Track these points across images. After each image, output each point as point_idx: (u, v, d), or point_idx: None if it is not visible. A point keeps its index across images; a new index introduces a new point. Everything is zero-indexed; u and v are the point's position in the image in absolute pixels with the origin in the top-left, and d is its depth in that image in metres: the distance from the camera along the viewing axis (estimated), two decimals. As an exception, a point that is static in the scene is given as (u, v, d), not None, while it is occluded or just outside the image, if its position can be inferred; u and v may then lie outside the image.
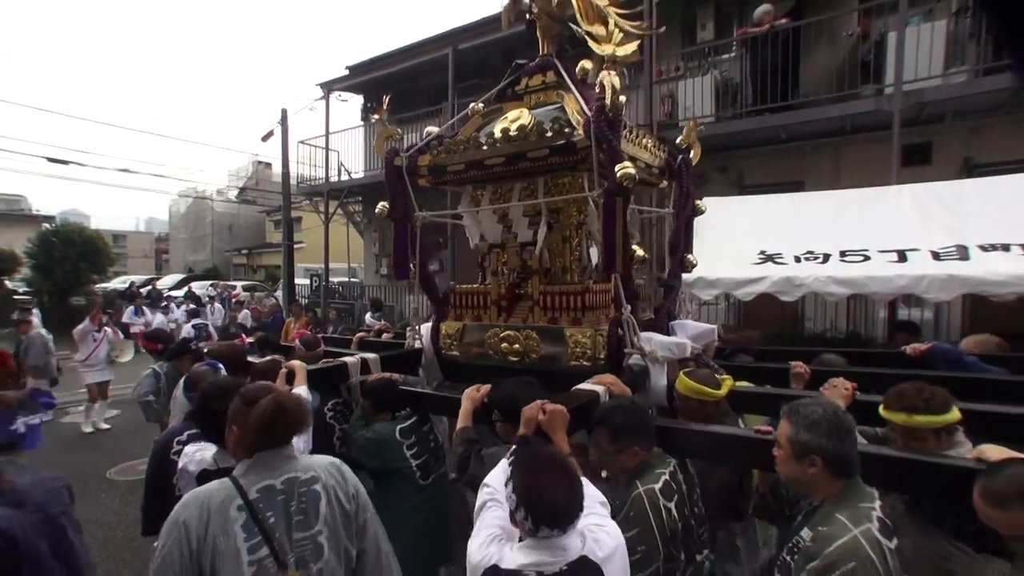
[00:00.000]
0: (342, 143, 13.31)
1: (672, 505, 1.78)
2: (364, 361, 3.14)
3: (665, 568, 1.73)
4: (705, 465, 2.22)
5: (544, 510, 1.32)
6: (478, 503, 1.60)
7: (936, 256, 4.23)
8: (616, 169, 2.35)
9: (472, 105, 3.31)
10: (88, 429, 7.05)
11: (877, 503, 1.52)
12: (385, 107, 3.33)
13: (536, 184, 3.03)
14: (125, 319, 11.25)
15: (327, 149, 13.13)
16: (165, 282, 22.71)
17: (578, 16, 2.79)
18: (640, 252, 2.67)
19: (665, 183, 3.38)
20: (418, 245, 3.33)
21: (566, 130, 2.61)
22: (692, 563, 1.85)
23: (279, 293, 15.07)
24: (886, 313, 6.59)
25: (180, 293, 16.58)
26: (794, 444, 1.57)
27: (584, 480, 1.50)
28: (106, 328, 7.32)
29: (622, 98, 2.43)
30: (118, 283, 20.21)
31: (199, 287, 19.21)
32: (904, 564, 1.50)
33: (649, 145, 3.02)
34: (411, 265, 3.33)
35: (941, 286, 3.92)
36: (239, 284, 21.13)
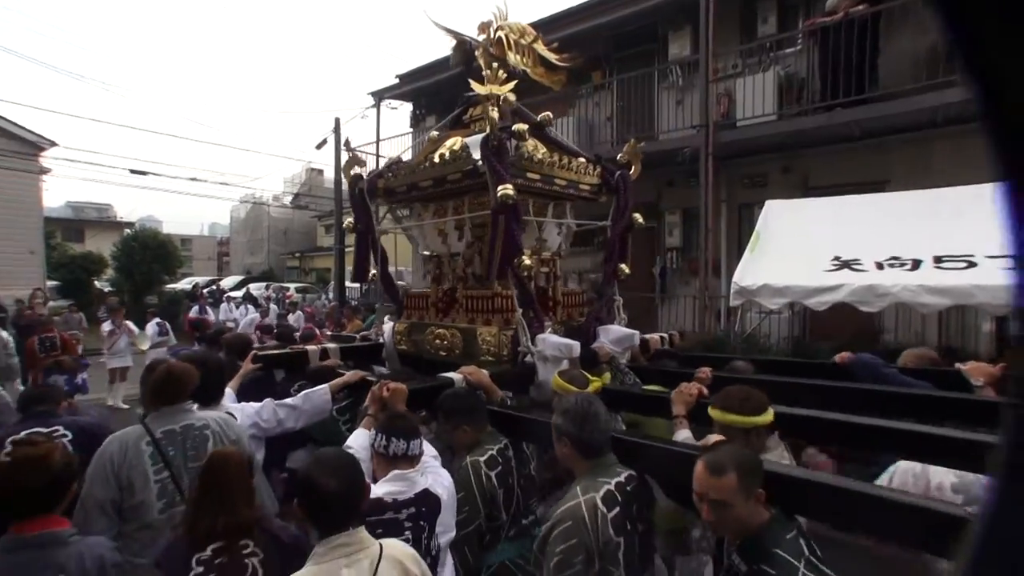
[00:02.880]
0: (392, 150, 13.49)
1: (494, 474, 2.13)
2: (324, 350, 3.58)
3: (488, 526, 2.12)
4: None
5: (396, 430, 1.89)
6: None
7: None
8: (498, 190, 2.79)
9: (431, 132, 3.79)
10: (111, 402, 8.12)
11: (617, 480, 1.80)
12: (346, 143, 4.00)
13: (463, 202, 3.45)
14: (190, 316, 11.79)
15: (377, 156, 13.33)
16: (225, 283, 23.74)
17: (510, 55, 3.36)
18: (528, 261, 3.00)
19: (604, 198, 3.74)
20: (379, 253, 3.83)
21: (473, 156, 2.99)
22: (516, 524, 2.20)
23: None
24: (993, 326, 5.83)
25: (239, 294, 17.25)
26: (553, 427, 1.92)
27: (430, 452, 2.09)
28: (125, 323, 8.45)
29: (522, 126, 2.93)
30: (184, 284, 21.27)
31: (256, 288, 19.93)
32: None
33: (575, 167, 3.45)
34: (371, 270, 3.84)
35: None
36: (292, 286, 21.82)
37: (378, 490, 1.80)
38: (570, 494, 1.77)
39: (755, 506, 1.49)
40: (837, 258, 4.63)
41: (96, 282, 16.92)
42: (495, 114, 2.87)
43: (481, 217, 3.26)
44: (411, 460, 1.89)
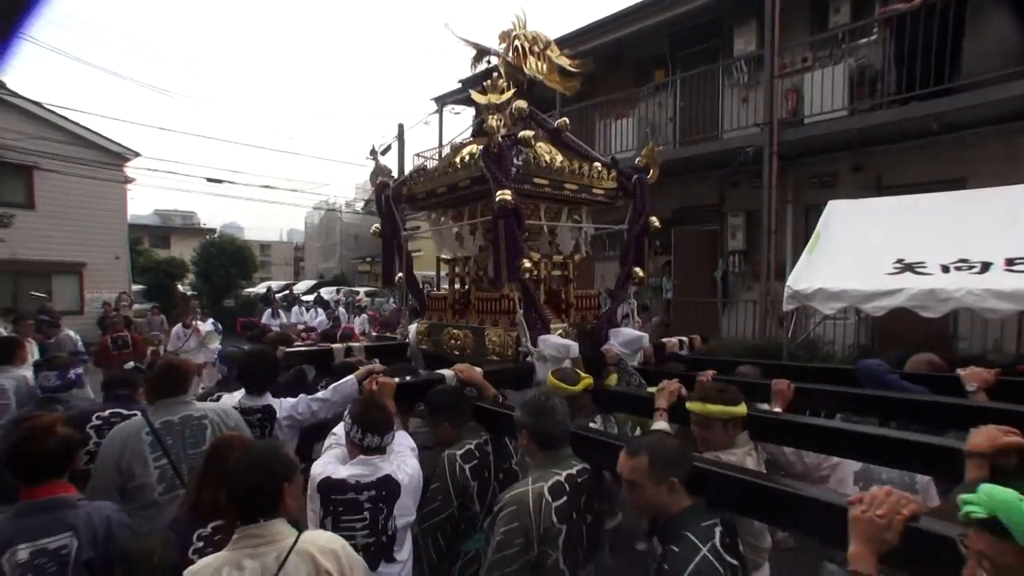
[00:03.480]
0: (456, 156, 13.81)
1: (468, 467, 2.22)
2: (349, 348, 3.86)
3: (461, 516, 2.20)
4: None
5: (367, 422, 2.01)
6: (325, 445, 2.27)
7: None
8: (497, 196, 2.95)
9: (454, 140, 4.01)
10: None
11: (569, 472, 1.88)
12: (379, 151, 4.29)
13: (476, 207, 3.59)
14: (264, 320, 12.57)
15: (440, 160, 13.69)
16: (299, 287, 25.14)
17: (529, 62, 3.54)
18: (528, 264, 3.11)
19: (622, 202, 3.82)
20: (404, 257, 4.08)
21: (480, 163, 3.13)
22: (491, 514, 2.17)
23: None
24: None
25: (311, 298, 18.24)
26: (515, 420, 2.02)
27: (403, 432, 2.29)
28: (195, 324, 8.76)
29: (528, 133, 3.12)
30: (260, 288, 22.69)
31: (327, 292, 20.98)
32: None
33: (589, 172, 3.54)
34: (398, 274, 4.06)
35: None
36: (362, 290, 22.76)
37: (343, 472, 1.98)
38: (522, 482, 1.89)
39: (671, 493, 1.58)
40: (900, 260, 4.32)
41: (179, 286, 18.33)
42: (494, 122, 3.03)
43: (490, 222, 3.37)
44: (382, 451, 2.03)
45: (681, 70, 9.52)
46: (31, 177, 13.35)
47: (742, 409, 2.07)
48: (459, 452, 2.26)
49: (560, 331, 3.40)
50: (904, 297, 3.96)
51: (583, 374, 2.69)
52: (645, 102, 9.91)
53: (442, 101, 14.16)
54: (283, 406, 2.70)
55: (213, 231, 25.85)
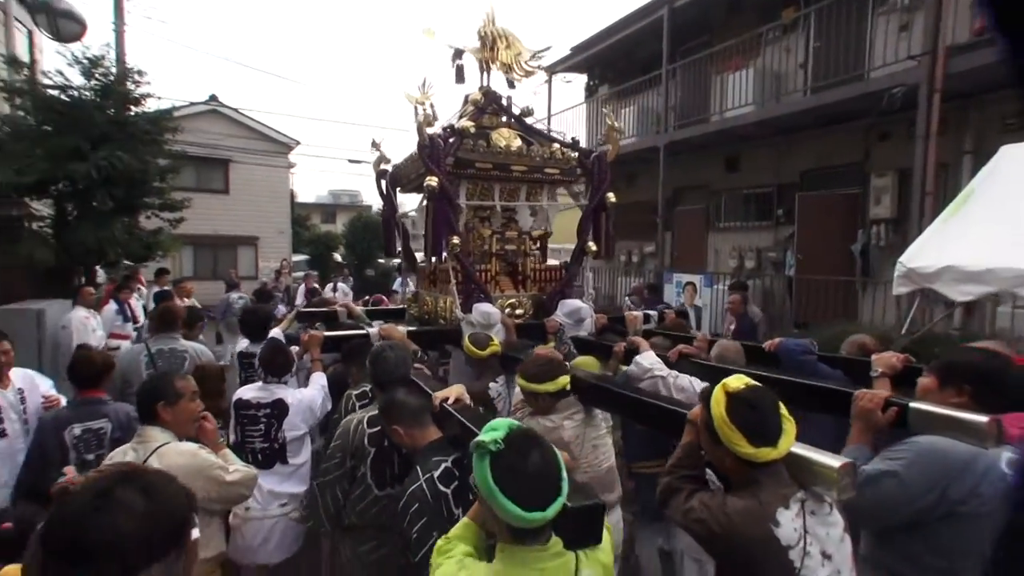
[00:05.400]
0: (564, 125, 13.34)
1: (369, 432, 2.29)
2: (348, 311, 4.38)
3: (354, 475, 2.30)
4: None
5: (268, 364, 2.90)
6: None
7: None
8: (425, 182, 3.52)
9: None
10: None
11: (452, 458, 1.94)
12: (378, 143, 4.58)
13: None
14: (395, 287, 13.49)
15: (548, 132, 13.27)
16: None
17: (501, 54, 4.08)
18: (456, 241, 3.62)
19: (582, 180, 4.26)
20: (402, 232, 4.68)
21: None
22: (385, 489, 2.31)
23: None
24: None
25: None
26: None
27: (320, 374, 3.05)
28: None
29: (467, 124, 3.79)
30: (396, 260, 24.48)
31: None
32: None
33: (542, 153, 3.99)
34: (396, 248, 4.73)
35: None
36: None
37: (247, 394, 2.83)
38: (411, 475, 2.01)
39: (420, 431, 2.02)
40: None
41: (336, 256, 21.08)
42: (420, 118, 3.53)
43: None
44: (280, 382, 2.91)
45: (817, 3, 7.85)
46: (227, 169, 16.87)
47: (551, 386, 2.28)
48: (366, 416, 2.36)
49: (513, 301, 3.95)
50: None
51: (493, 340, 3.02)
52: (770, 48, 8.42)
53: (551, 70, 13.68)
54: (303, 402, 2.93)
55: (369, 207, 28.36)
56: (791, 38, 8.42)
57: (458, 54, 4.09)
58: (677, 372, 2.54)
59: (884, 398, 1.74)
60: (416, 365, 2.82)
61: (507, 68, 4.06)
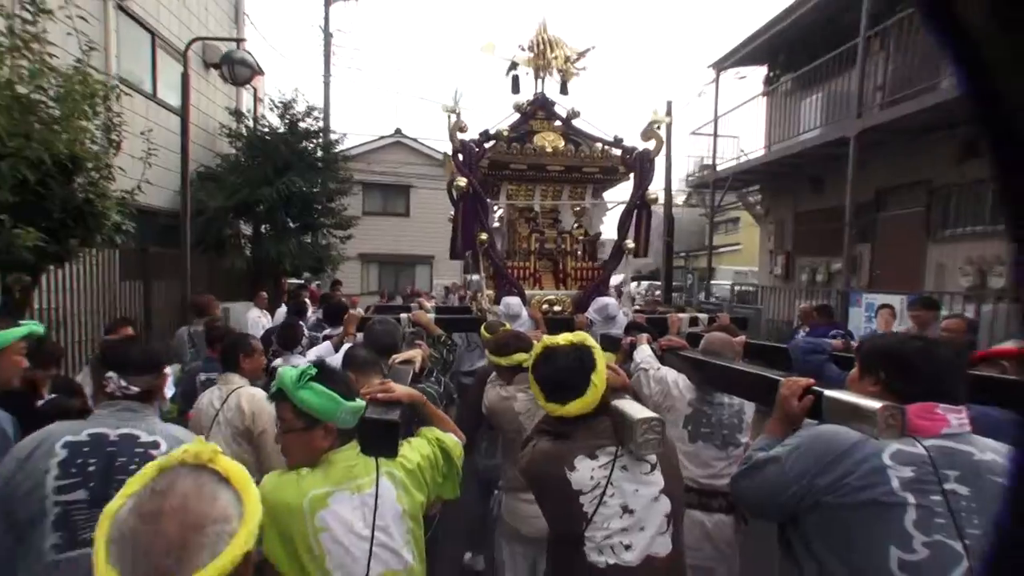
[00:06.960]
0: (731, 126, 11.90)
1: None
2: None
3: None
4: None
5: (284, 341, 3.86)
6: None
7: None
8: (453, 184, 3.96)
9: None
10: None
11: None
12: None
13: None
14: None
15: (715, 135, 12.03)
16: (613, 280, 26.01)
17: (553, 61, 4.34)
18: (483, 237, 3.99)
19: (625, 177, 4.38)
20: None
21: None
22: None
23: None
24: None
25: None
26: None
27: (328, 344, 3.48)
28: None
29: (501, 129, 4.10)
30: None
31: (632, 287, 21.02)
32: None
33: (582, 153, 4.17)
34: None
35: None
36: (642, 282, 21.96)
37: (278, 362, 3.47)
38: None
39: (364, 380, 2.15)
40: None
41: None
42: (452, 125, 3.81)
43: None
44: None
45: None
46: (408, 194, 18.95)
47: (505, 361, 2.52)
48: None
49: (552, 297, 4.11)
50: None
51: (522, 348, 3.19)
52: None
53: (719, 66, 12.41)
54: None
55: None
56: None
57: (513, 66, 4.37)
58: (659, 365, 2.64)
59: (803, 386, 1.61)
60: (417, 341, 3.10)
61: (561, 72, 4.30)
